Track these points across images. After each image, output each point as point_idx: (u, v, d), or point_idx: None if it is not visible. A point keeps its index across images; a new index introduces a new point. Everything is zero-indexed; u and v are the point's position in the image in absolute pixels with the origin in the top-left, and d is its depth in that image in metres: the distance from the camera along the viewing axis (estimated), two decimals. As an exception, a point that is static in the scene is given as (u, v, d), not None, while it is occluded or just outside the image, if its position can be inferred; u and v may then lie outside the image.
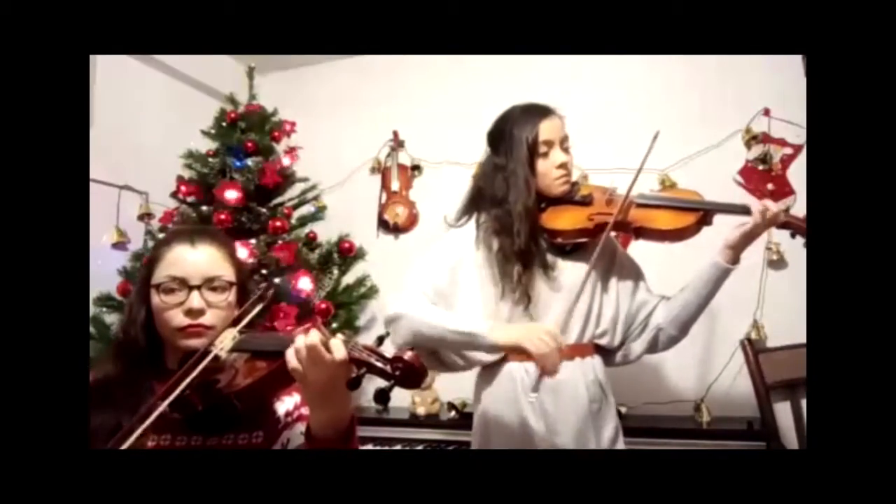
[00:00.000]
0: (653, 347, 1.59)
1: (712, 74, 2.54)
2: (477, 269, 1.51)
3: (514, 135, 1.51)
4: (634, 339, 1.59)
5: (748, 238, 1.46)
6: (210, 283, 1.05)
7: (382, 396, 0.87)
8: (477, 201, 1.58)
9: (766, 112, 2.47)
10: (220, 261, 1.08)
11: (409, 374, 0.86)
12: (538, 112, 1.53)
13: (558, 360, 1.33)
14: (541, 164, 1.50)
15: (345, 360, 0.87)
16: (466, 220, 1.59)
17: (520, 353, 1.36)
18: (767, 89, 2.47)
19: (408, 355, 0.86)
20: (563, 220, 1.52)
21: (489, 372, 1.54)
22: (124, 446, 0.85)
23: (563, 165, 1.51)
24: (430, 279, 1.49)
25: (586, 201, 1.53)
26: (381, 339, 0.91)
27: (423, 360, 0.89)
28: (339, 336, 0.90)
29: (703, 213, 1.49)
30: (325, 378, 0.88)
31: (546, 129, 1.50)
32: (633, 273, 1.63)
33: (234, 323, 1.00)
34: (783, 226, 1.46)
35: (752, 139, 2.48)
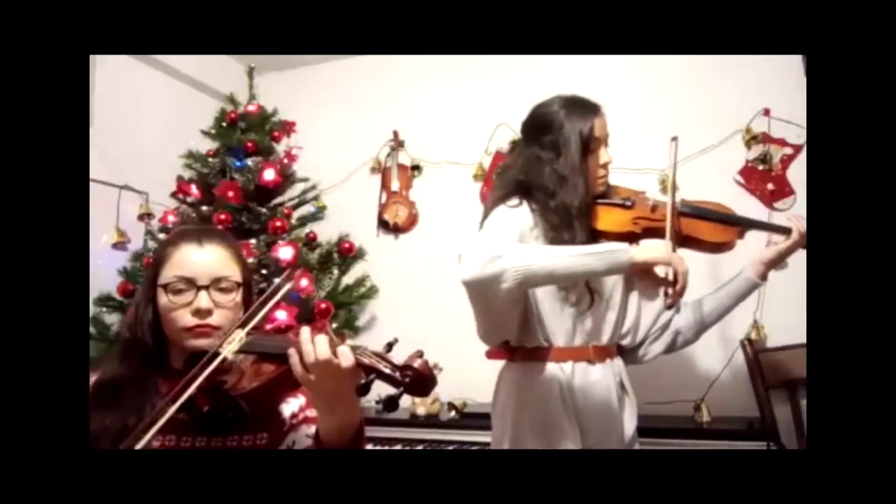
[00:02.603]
0: (670, 349, 1.61)
1: (712, 74, 2.53)
2: None
3: (565, 128, 1.45)
4: (654, 340, 1.60)
5: (783, 256, 1.50)
6: (218, 284, 1.04)
7: (391, 404, 0.85)
8: (520, 191, 1.49)
9: (766, 112, 2.47)
10: (228, 261, 1.08)
11: (419, 381, 0.84)
12: (591, 108, 1.49)
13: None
14: (589, 161, 1.47)
15: (352, 367, 0.85)
16: (518, 204, 1.47)
17: (649, 273, 1.34)
18: (767, 89, 2.47)
19: (417, 363, 0.85)
20: (607, 221, 1.49)
21: (525, 372, 1.49)
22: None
23: (605, 165, 1.50)
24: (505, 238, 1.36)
25: (627, 204, 1.51)
26: (390, 346, 0.89)
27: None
28: (348, 342, 0.88)
29: (742, 228, 1.50)
30: (333, 384, 0.87)
31: (598, 126, 1.47)
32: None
33: (242, 325, 0.99)
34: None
35: (752, 139, 2.48)
